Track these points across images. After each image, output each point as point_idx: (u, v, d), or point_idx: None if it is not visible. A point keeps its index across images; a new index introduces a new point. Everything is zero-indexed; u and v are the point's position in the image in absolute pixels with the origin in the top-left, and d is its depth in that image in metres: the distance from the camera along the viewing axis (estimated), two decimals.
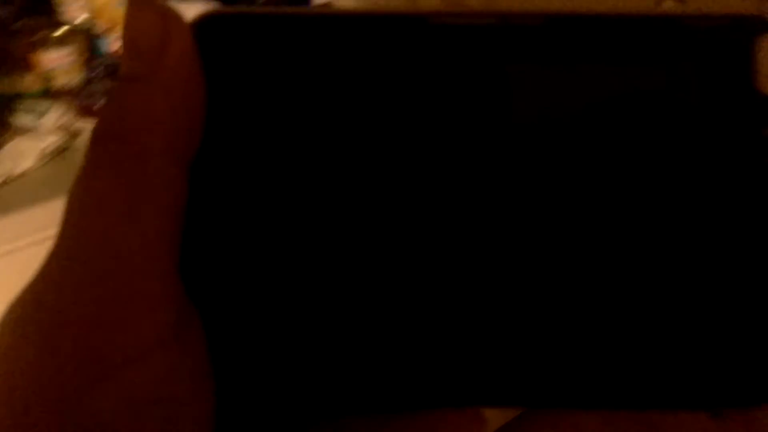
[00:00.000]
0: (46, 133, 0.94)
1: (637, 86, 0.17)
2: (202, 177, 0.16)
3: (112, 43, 1.02)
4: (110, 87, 0.93)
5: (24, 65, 0.95)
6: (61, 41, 0.99)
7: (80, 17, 1.02)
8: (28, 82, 0.95)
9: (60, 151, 0.96)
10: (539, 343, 0.17)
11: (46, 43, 0.99)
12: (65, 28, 1.01)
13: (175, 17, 0.15)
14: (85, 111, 0.93)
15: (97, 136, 0.15)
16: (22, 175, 0.87)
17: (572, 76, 0.17)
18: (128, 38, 0.15)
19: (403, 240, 0.17)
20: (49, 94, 0.97)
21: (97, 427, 0.13)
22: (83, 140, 0.95)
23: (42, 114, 0.93)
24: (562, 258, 0.16)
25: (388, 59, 0.17)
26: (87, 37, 1.01)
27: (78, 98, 0.93)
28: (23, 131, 0.91)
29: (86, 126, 0.94)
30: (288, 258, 0.17)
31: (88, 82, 0.95)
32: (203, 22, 0.17)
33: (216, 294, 0.17)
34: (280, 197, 0.17)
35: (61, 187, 0.89)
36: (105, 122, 0.15)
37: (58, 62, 0.99)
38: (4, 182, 0.84)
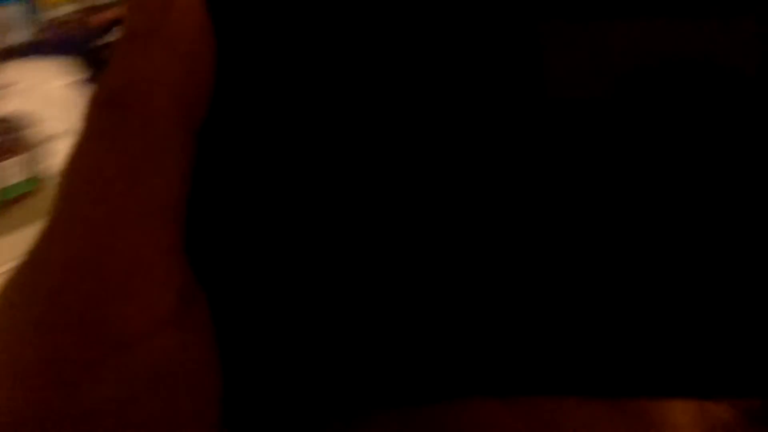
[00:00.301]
0: None
1: (685, 44, 0.15)
2: (210, 144, 0.15)
3: None
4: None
5: None
6: None
7: None
8: None
9: None
10: (557, 330, 0.15)
11: None
12: None
13: None
14: None
15: (96, 100, 0.14)
16: None
17: (612, 34, 0.15)
18: None
19: (420, 218, 0.15)
20: None
21: (99, 409, 0.13)
22: None
23: None
24: (590, 238, 0.15)
25: (407, 15, 0.15)
26: None
27: None
28: None
29: None
30: (299, 235, 0.15)
31: None
32: None
33: (223, 271, 0.15)
34: (295, 167, 0.15)
35: None
36: (105, 85, 0.14)
37: None
38: None
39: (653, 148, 0.15)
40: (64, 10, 1.11)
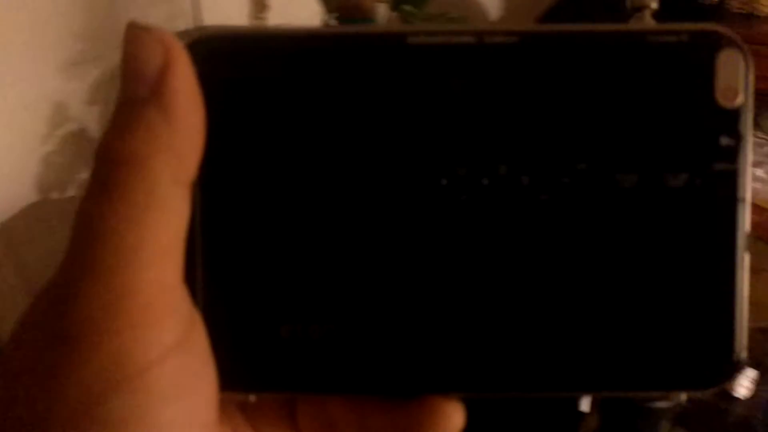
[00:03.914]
0: None
1: (603, 98, 0.18)
2: (204, 191, 0.18)
3: None
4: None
5: None
6: None
7: None
8: None
9: None
10: (510, 333, 0.19)
11: None
12: None
13: (174, 41, 0.16)
14: None
15: (101, 158, 0.16)
16: None
17: (544, 93, 0.18)
18: (128, 62, 0.16)
19: (386, 242, 0.19)
20: None
21: (125, 420, 0.15)
22: None
23: None
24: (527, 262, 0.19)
25: (370, 77, 0.18)
26: None
27: None
28: None
29: None
30: (280, 261, 0.19)
31: None
32: (197, 41, 0.18)
33: (218, 298, 0.19)
34: (274, 207, 0.19)
35: None
36: (109, 144, 0.16)
37: None
38: None
39: (565, 180, 0.18)
40: None
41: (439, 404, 0.19)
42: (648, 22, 0.18)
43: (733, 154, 0.18)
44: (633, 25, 0.18)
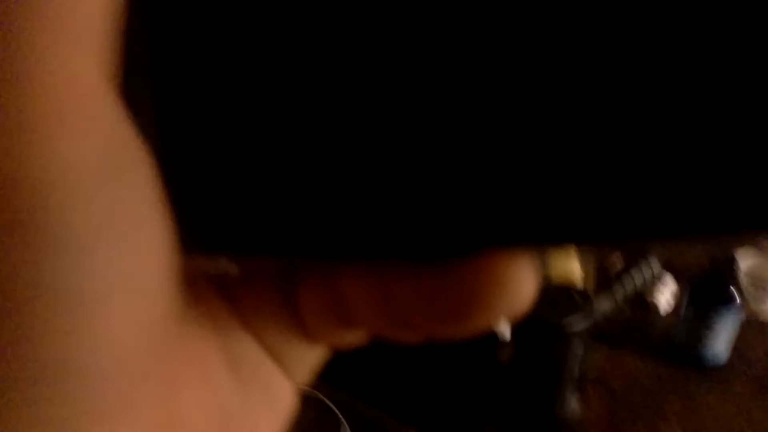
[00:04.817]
0: None
1: None
2: None
3: None
4: None
5: None
6: None
7: None
8: None
9: None
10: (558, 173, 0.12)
11: None
12: None
13: None
14: None
15: None
16: None
17: None
18: None
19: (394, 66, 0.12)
20: None
21: (14, 273, 0.11)
22: None
23: None
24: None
25: None
26: None
27: None
28: None
29: None
30: (268, 67, 0.12)
31: None
32: None
33: (177, 121, 0.13)
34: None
35: None
36: None
37: None
38: None
39: None
40: None
41: (499, 264, 0.14)
42: None
43: None
44: None
